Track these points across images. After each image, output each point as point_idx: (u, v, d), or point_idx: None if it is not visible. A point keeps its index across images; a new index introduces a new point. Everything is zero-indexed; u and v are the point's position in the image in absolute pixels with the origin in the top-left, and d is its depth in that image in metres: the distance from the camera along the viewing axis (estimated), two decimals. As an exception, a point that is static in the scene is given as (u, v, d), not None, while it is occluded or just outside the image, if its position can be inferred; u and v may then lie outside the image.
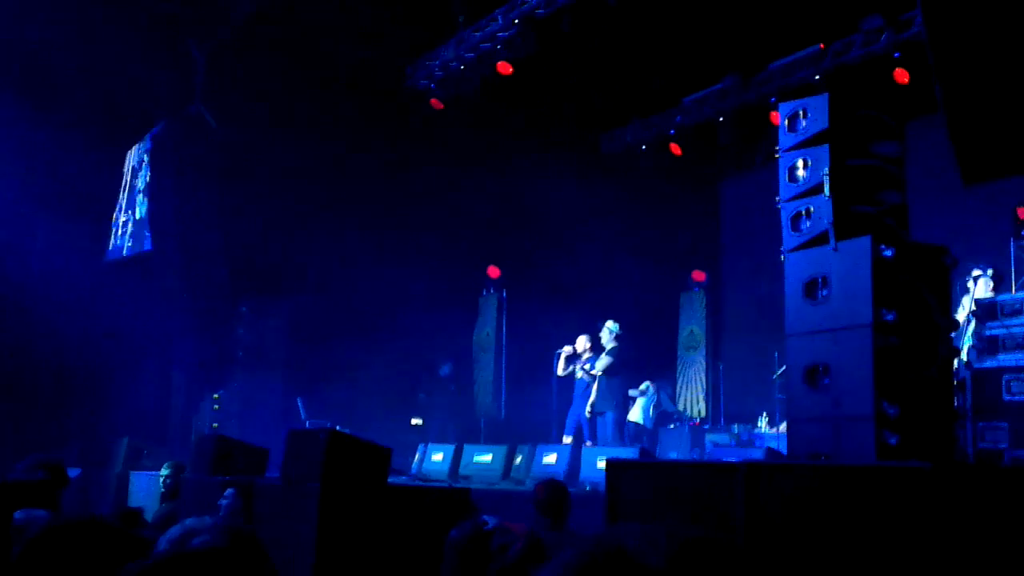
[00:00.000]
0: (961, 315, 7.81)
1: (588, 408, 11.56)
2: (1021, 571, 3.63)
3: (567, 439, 11.40)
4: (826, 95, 6.03)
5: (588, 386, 11.73)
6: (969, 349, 7.82)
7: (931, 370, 5.48)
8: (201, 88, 13.37)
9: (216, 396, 13.34)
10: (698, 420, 14.55)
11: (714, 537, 1.11)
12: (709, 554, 1.06)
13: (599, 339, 11.95)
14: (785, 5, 11.24)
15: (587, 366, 11.66)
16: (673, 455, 12.37)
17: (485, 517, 4.68)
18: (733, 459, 8.00)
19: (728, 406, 14.22)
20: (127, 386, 12.76)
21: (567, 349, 12.02)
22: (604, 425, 11.48)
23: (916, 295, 5.52)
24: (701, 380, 15.18)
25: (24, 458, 5.07)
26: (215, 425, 13.10)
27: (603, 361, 11.53)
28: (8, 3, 11.35)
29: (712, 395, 14.89)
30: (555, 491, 5.53)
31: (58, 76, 12.24)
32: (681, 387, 15.46)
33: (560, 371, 12.06)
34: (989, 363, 7.25)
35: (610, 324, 11.89)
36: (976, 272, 8.06)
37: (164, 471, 8.46)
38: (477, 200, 14.55)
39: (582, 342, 12.03)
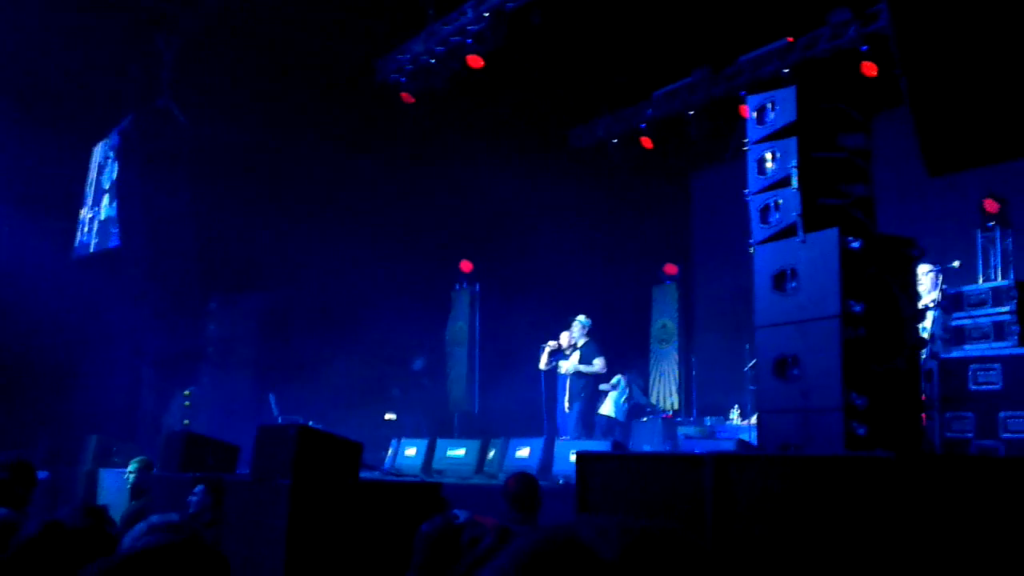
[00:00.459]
0: (923, 304, 7.88)
1: (566, 403, 11.69)
2: (987, 558, 3.68)
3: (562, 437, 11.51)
4: (793, 88, 6.06)
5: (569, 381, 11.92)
6: (935, 339, 7.89)
7: (898, 361, 5.53)
8: (168, 82, 13.24)
9: (186, 393, 13.24)
10: (671, 413, 14.60)
11: (672, 529, 1.09)
12: (664, 546, 1.05)
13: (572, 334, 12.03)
14: (754, -1, 11.30)
15: (583, 367, 11.70)
16: (646, 448, 12.40)
17: (456, 511, 4.69)
18: (704, 451, 8.05)
19: (700, 398, 14.28)
20: (96, 383, 12.65)
21: (552, 344, 12.09)
22: (571, 418, 11.62)
23: (883, 287, 5.56)
24: (673, 373, 15.23)
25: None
26: (186, 422, 13.00)
27: (599, 360, 11.69)
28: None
29: (684, 388, 14.94)
30: (526, 484, 5.53)
31: (22, 71, 12.09)
32: (654, 380, 15.51)
33: (542, 365, 12.14)
34: (956, 353, 7.32)
35: (581, 318, 11.96)
36: (925, 267, 8.13)
37: (131, 468, 8.40)
38: (448, 194, 14.52)
39: (566, 337, 12.10)
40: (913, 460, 3.85)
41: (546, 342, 12.15)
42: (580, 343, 11.83)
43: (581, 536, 1.02)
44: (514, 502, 5.42)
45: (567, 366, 11.83)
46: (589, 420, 12.07)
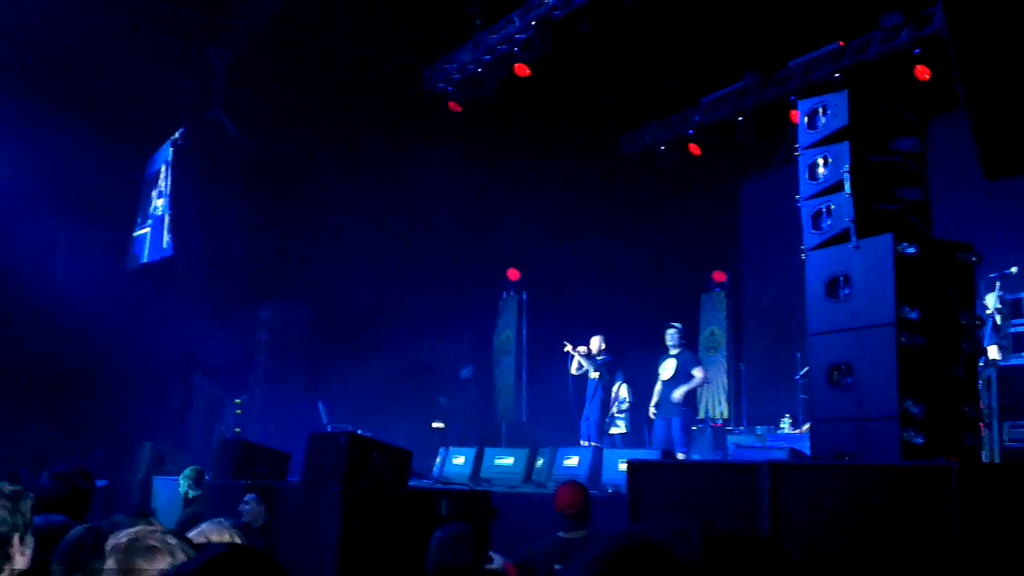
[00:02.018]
0: (986, 312, 7.72)
1: (652, 411, 11.52)
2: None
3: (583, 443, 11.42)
4: (846, 92, 5.97)
5: (598, 387, 11.79)
6: (993, 347, 7.74)
7: (955, 368, 5.42)
8: (220, 94, 13.43)
9: (238, 401, 13.39)
10: (720, 422, 14.47)
11: (749, 533, 1.08)
12: (745, 549, 1.04)
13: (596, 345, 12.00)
14: (804, 3, 11.17)
15: (676, 394, 11.46)
16: (696, 457, 12.30)
17: (492, 554, 4.71)
18: (755, 460, 7.95)
19: (750, 407, 14.13)
20: (150, 392, 12.83)
21: (581, 349, 12.07)
22: (674, 429, 11.37)
23: (939, 293, 5.46)
24: (723, 381, 15.09)
25: (52, 465, 5.11)
26: (237, 430, 13.14)
27: (698, 370, 11.49)
28: (27, 12, 11.43)
29: (734, 396, 14.80)
30: (576, 494, 5.50)
31: (78, 84, 12.33)
32: (702, 389, 15.36)
33: (573, 370, 12.11)
34: (1014, 361, 7.17)
35: (677, 326, 11.77)
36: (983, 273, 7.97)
37: (184, 476, 8.51)
38: (496, 202, 14.55)
39: (596, 343, 12.07)
40: (976, 470, 3.77)
41: (572, 346, 12.09)
42: (674, 352, 11.61)
43: (656, 539, 1.01)
44: (565, 511, 5.39)
45: (666, 375, 11.58)
46: (689, 430, 11.83)
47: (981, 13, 5.90)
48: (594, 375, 11.91)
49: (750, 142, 13.55)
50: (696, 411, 12.38)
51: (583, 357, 12.04)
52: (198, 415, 13.44)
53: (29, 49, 11.81)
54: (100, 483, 8.03)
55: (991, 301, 8.01)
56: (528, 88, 12.85)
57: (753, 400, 14.20)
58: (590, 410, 11.88)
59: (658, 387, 11.52)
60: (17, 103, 11.70)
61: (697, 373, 11.41)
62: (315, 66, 12.84)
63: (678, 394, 11.15)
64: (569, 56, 12.35)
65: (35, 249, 12.39)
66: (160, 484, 10.59)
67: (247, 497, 6.66)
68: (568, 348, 12.11)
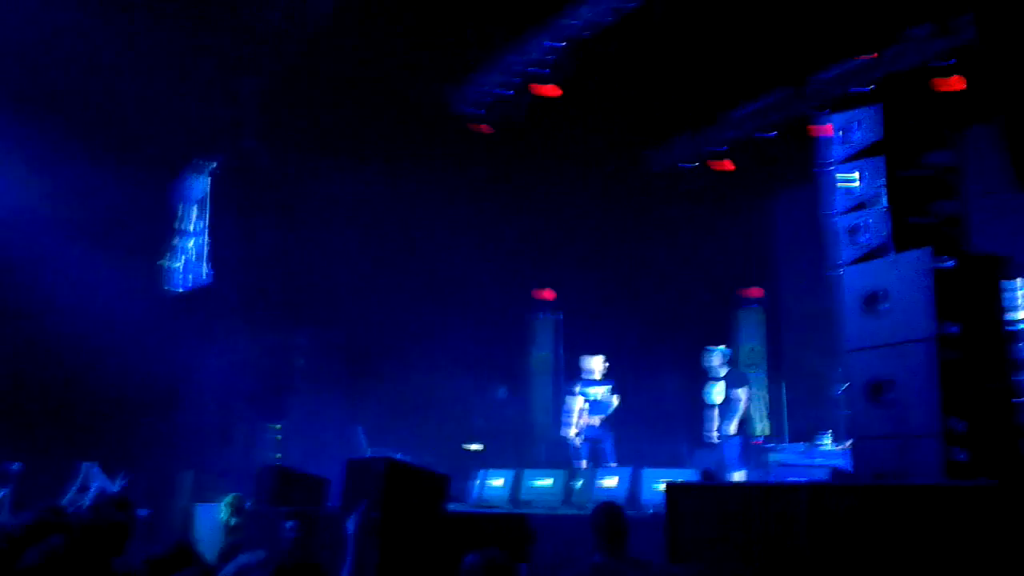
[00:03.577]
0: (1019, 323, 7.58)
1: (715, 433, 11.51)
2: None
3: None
4: (879, 105, 5.94)
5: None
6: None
7: (997, 383, 5.34)
8: (255, 123, 13.58)
9: (277, 427, 13.45)
10: (761, 439, 14.32)
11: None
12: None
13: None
14: (834, 15, 11.10)
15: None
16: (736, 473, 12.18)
17: None
18: (797, 479, 7.86)
19: (791, 423, 13.98)
20: (189, 420, 12.92)
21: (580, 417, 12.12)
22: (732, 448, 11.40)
23: (978, 306, 5.39)
24: (763, 397, 14.95)
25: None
26: (277, 456, 13.19)
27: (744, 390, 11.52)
28: (58, 47, 11.62)
29: (775, 412, 14.65)
30: (612, 515, 5.44)
31: (113, 112, 12.50)
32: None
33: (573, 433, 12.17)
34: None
35: (722, 349, 11.82)
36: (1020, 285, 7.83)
37: (224, 505, 8.55)
38: (529, 222, 14.57)
39: (599, 364, 12.15)
40: (1018, 488, 3.70)
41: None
42: (722, 373, 11.67)
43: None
44: (601, 533, 5.34)
45: (719, 399, 11.63)
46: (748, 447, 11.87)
47: (1013, 23, 5.84)
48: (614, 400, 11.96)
49: (783, 156, 13.47)
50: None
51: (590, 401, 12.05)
52: (238, 442, 13.52)
53: (65, 82, 12.00)
54: (142, 512, 8.10)
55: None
56: (557, 108, 12.88)
57: (794, 416, 14.05)
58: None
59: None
60: (50, 134, 11.90)
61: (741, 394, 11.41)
62: (343, 92, 12.95)
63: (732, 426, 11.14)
64: (597, 75, 12.38)
65: (73, 279, 12.52)
66: (202, 511, 10.65)
67: (288, 524, 6.68)
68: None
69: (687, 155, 14.82)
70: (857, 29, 11.25)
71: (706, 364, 11.78)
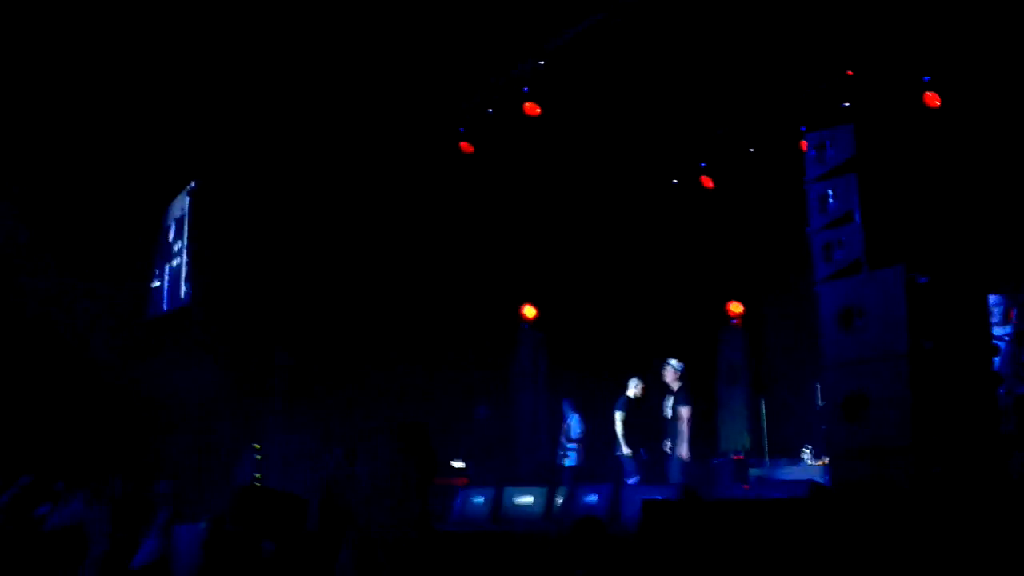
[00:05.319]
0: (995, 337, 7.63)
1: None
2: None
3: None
4: (851, 125, 6.00)
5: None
6: (1009, 374, 7.65)
7: (973, 397, 5.37)
8: (236, 144, 13.57)
9: (257, 447, 13.37)
10: (742, 454, 14.33)
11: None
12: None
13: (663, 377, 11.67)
14: (813, 34, 11.21)
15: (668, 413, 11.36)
16: (716, 491, 12.18)
17: None
18: (776, 494, 7.88)
19: (771, 440, 13.99)
20: (169, 440, 12.85)
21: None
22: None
23: (954, 321, 5.43)
24: (743, 414, 14.97)
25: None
26: (257, 475, 13.11)
27: (686, 409, 11.29)
28: (48, 65, 11.62)
29: (754, 429, 14.66)
30: (589, 531, 5.43)
31: (95, 133, 12.48)
32: (722, 421, 15.25)
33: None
34: (1032, 387, 7.10)
35: (674, 363, 11.57)
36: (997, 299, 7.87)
37: (203, 525, 8.48)
38: (512, 240, 14.60)
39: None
40: (988, 498, 3.73)
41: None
42: (675, 388, 11.44)
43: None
44: (576, 550, 5.33)
45: (669, 413, 11.46)
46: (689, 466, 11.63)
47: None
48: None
49: (763, 171, 13.56)
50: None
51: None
52: (218, 462, 13.44)
53: (45, 101, 11.99)
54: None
55: (1005, 328, 7.93)
56: (539, 126, 12.95)
57: (774, 432, 14.06)
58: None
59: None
60: (30, 157, 11.88)
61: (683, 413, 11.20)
62: (327, 112, 12.97)
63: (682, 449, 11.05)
64: (580, 94, 12.46)
65: (53, 300, 12.47)
66: (181, 532, 10.55)
67: (264, 545, 6.65)
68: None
69: (667, 171, 14.90)
70: (830, 48, 11.36)
71: (664, 378, 11.57)
